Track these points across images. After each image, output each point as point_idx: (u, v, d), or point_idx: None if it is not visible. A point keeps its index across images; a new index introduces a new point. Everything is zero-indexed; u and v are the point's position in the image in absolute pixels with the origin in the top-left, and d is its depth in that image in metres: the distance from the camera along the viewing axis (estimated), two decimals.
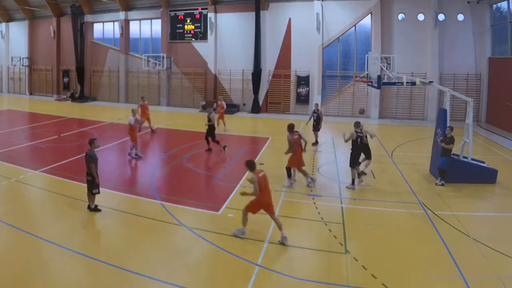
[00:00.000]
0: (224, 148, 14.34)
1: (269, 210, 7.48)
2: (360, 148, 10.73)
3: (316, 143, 16.00)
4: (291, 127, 10.55)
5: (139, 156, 13.67)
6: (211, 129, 14.39)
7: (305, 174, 10.73)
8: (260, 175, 7.39)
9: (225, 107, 18.80)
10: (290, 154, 10.55)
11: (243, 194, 7.51)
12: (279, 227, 7.44)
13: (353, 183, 10.66)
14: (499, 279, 6.20)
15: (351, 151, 10.69)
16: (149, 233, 7.84)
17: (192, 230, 7.87)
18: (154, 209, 9.02)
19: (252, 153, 14.77)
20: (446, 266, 6.62)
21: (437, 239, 7.65)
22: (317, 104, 17.40)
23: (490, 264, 6.65)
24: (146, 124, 18.22)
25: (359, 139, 10.62)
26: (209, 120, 14.31)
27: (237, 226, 7.89)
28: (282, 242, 7.31)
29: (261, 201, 7.40)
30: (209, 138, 14.36)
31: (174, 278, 6.22)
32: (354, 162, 10.62)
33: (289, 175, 10.73)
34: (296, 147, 10.43)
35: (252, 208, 7.50)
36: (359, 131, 10.68)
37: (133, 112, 14.10)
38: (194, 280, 6.26)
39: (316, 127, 15.94)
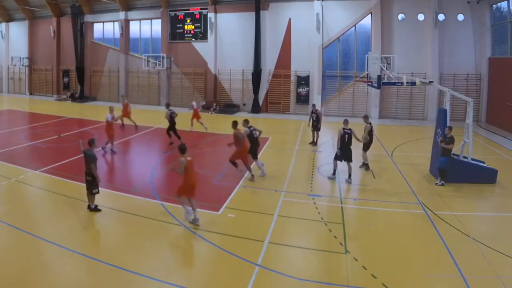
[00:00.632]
0: (170, 143, 15.54)
1: (192, 192, 8.13)
2: (348, 144, 11.15)
3: (313, 143, 16.02)
4: (234, 123, 11.29)
5: (113, 151, 14.26)
6: (172, 124, 15.75)
7: (249, 169, 11.22)
8: (188, 159, 8.04)
9: (195, 107, 18.61)
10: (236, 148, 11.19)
11: (173, 170, 8.58)
12: (194, 208, 8.08)
13: (334, 173, 11.28)
14: (499, 279, 6.20)
15: (338, 147, 11.09)
16: (149, 233, 7.84)
17: (192, 230, 7.87)
18: (154, 209, 9.02)
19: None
20: (446, 266, 6.63)
21: (437, 239, 7.65)
22: (314, 105, 17.41)
23: (490, 264, 6.65)
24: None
25: (346, 136, 11.10)
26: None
27: (238, 226, 7.92)
28: (193, 223, 8.01)
29: (186, 184, 8.07)
30: (171, 132, 15.64)
31: (174, 278, 6.23)
32: (338, 157, 11.16)
33: (235, 165, 11.25)
34: (237, 141, 10.98)
35: (181, 191, 8.18)
36: (347, 128, 11.23)
37: (110, 109, 14.63)
38: (194, 280, 6.26)
39: (317, 127, 16.00)
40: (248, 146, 11.33)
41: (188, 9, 27.71)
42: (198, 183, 8.31)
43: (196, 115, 18.50)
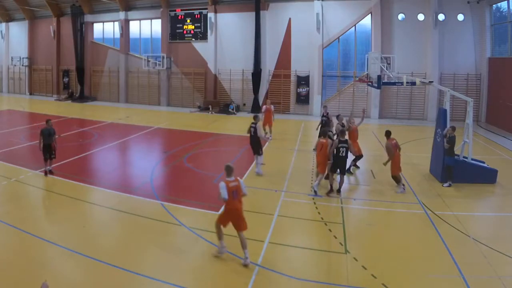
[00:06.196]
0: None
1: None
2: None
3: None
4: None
5: None
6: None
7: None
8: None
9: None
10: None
11: None
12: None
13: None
14: (499, 279, 6.20)
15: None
16: (149, 233, 7.84)
17: (192, 230, 7.87)
18: (154, 209, 9.02)
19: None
20: (446, 266, 6.63)
21: (437, 239, 7.65)
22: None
23: (490, 264, 6.65)
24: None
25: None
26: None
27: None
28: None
29: None
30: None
31: (174, 278, 6.23)
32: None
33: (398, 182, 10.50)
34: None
35: None
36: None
37: None
38: (194, 280, 6.26)
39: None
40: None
41: (196, 9, 27.68)
42: None
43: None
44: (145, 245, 7.35)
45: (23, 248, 7.05)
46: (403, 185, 10.47)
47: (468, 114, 11.44)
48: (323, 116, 14.91)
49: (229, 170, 6.79)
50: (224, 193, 6.51)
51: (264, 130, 15.99)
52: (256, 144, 11.78)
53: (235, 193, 6.64)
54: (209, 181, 11.35)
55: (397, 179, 10.44)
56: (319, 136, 11.34)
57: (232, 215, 6.69)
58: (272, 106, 16.88)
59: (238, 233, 6.67)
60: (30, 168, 11.84)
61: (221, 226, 6.79)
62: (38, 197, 9.89)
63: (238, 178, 6.81)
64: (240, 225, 6.68)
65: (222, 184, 6.60)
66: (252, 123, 11.77)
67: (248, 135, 11.88)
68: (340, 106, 24.62)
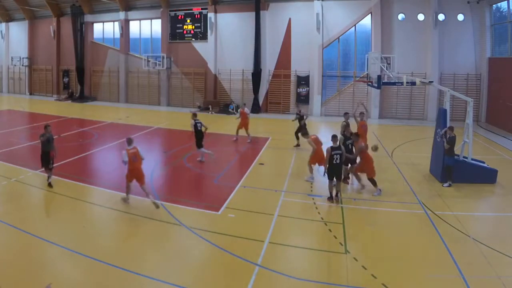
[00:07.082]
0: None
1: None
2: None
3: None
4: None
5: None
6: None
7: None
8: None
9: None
10: None
11: None
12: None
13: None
14: (499, 279, 6.20)
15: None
16: (149, 233, 7.84)
17: (192, 230, 7.87)
18: (154, 209, 9.01)
19: (252, 153, 14.76)
20: (446, 266, 6.63)
21: (437, 239, 7.65)
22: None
23: (490, 264, 6.65)
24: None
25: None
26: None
27: (238, 226, 7.90)
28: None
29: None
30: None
31: (174, 278, 6.23)
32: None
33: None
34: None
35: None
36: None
37: None
38: (194, 280, 6.26)
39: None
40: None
41: (190, 9, 27.72)
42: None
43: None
44: (145, 245, 7.36)
45: (23, 248, 7.05)
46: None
47: (468, 114, 11.44)
48: (297, 114, 16.04)
49: (129, 141, 9.15)
50: (125, 157, 8.84)
51: (238, 132, 16.65)
52: (201, 139, 12.77)
53: (134, 157, 8.94)
54: (209, 181, 11.35)
55: (374, 181, 10.23)
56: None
57: (134, 173, 9.00)
58: (246, 109, 17.01)
59: (142, 187, 9.06)
60: (30, 168, 11.84)
61: (128, 183, 9.15)
62: (38, 197, 9.89)
63: (136, 146, 9.14)
64: (141, 180, 9.06)
65: (123, 152, 8.93)
66: (196, 119, 12.75)
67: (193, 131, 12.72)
68: (340, 106, 24.65)
